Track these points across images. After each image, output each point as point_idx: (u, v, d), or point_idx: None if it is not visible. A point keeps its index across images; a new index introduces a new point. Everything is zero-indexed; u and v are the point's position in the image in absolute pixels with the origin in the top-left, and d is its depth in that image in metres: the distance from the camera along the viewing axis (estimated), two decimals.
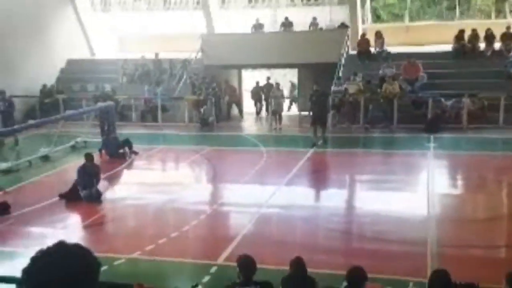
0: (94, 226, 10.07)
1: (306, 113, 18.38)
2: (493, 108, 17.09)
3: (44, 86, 21.84)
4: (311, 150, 15.08)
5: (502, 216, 10.16)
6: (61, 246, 1.78)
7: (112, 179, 12.55)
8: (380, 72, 19.00)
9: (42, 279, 1.68)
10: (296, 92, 23.26)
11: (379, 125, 17.80)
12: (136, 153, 15.09)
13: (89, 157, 11.63)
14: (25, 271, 1.72)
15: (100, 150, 14.94)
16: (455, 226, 9.53)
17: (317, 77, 18.66)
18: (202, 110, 19.34)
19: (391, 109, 17.80)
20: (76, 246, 1.79)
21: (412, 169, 13.56)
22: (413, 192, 11.82)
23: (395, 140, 16.86)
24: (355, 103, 18.23)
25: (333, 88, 18.78)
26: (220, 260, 8.02)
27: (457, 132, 16.76)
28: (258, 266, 5.54)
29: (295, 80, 23.76)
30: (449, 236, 9.01)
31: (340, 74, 19.67)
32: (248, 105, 23.02)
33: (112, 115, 15.73)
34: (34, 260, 1.73)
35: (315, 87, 16.35)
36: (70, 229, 9.97)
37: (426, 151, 14.87)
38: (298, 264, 5.63)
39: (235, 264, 5.58)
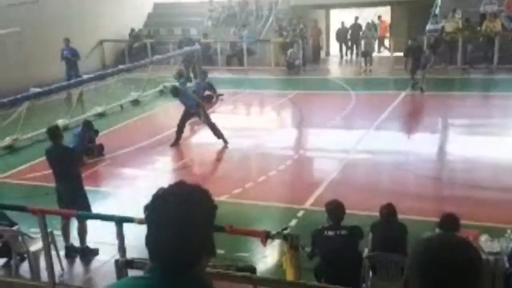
0: (183, 169, 10.42)
1: (398, 54, 17.63)
2: None
3: (132, 30, 22.30)
4: (405, 93, 14.50)
5: None
6: (181, 184, 1.78)
7: (199, 123, 12.83)
8: (481, 8, 17.69)
9: (161, 216, 1.70)
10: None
11: (479, 65, 16.75)
12: (221, 95, 15.21)
13: None
14: (146, 207, 1.74)
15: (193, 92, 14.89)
16: None
17: (412, 15, 17.68)
18: (288, 53, 19.01)
19: (492, 49, 16.62)
20: (196, 186, 1.78)
21: (509, 112, 12.73)
22: (511, 137, 11.12)
23: (495, 82, 15.85)
24: (453, 43, 17.25)
25: (428, 26, 17.77)
26: (307, 205, 8.05)
27: None
28: (347, 211, 5.51)
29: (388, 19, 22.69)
30: None
31: (437, 12, 18.49)
32: (336, 47, 22.39)
33: (198, 59, 15.84)
34: (155, 196, 1.74)
35: (410, 42, 15.53)
36: (160, 171, 10.33)
37: None
38: (388, 210, 5.54)
39: (322, 208, 5.61)
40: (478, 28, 17.16)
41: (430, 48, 16.85)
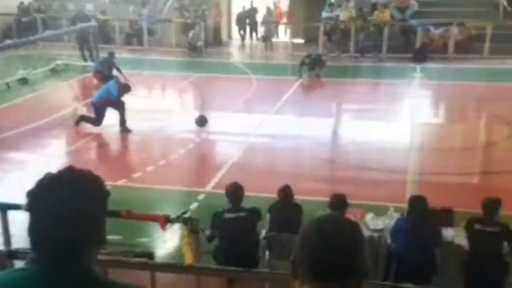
0: (78, 152, 10.10)
1: (298, 40, 18.20)
2: (479, 38, 17.07)
3: (21, 3, 20.96)
4: (301, 79, 15.09)
5: (480, 144, 10.50)
6: (69, 170, 1.69)
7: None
8: None
9: (46, 203, 1.61)
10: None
11: (369, 54, 17.75)
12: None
13: None
14: (30, 193, 1.64)
15: (95, 71, 14.07)
16: (434, 155, 9.81)
17: (309, 2, 18.19)
18: (190, 34, 18.90)
19: (381, 38, 17.67)
20: (86, 172, 1.71)
21: (397, 98, 13.78)
22: (397, 121, 12.09)
23: (383, 69, 16.91)
24: (346, 31, 18.05)
25: (324, 14, 18.49)
26: (208, 188, 8.24)
27: (443, 62, 16.82)
28: (247, 193, 5.76)
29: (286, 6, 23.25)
30: (429, 164, 9.31)
31: (333, 0, 19.30)
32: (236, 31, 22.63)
33: (94, 36, 15.27)
34: (40, 182, 1.64)
35: (306, 59, 15.21)
36: (53, 155, 9.90)
37: (412, 81, 15.04)
38: (285, 192, 5.84)
39: (223, 191, 5.77)
40: (369, 17, 18.07)
41: (325, 35, 17.60)
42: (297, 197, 6.05)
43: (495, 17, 17.68)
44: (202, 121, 10.68)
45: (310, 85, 15.05)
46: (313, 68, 15.00)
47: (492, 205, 5.12)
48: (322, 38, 17.74)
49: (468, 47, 17.19)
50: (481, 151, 10.27)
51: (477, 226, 5.12)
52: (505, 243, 5.07)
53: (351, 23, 17.95)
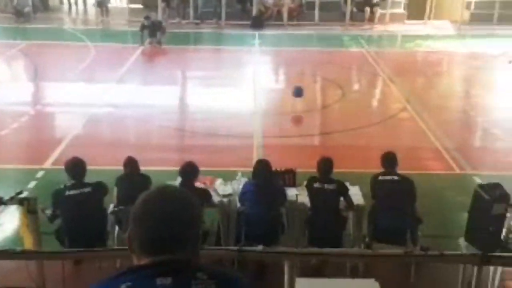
0: None
1: (136, 5, 17.58)
2: (309, 6, 18.05)
3: None
4: (142, 47, 14.66)
5: (317, 107, 11.21)
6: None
7: None
8: None
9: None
10: None
11: (209, 21, 17.82)
12: None
13: None
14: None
15: None
16: (278, 119, 10.28)
17: None
18: None
19: (220, 5, 17.83)
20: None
21: (240, 65, 14.07)
22: (241, 87, 12.38)
23: (224, 36, 17.13)
24: None
25: None
26: (47, 164, 7.74)
27: (279, 29, 17.52)
28: (92, 167, 5.50)
29: None
30: (273, 127, 9.73)
31: None
32: None
33: None
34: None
35: (144, 22, 15.00)
36: None
37: (252, 47, 15.47)
38: (130, 163, 5.69)
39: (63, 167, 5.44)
40: None
41: (164, 1, 17.26)
42: (145, 168, 5.93)
43: None
44: (298, 92, 10.35)
45: (152, 53, 14.71)
46: (154, 34, 14.65)
47: (326, 163, 5.49)
48: (160, 4, 17.36)
49: (300, 14, 18.11)
50: (318, 114, 10.96)
51: (316, 184, 5.46)
52: (342, 199, 5.48)
53: None
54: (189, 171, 5.41)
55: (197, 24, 17.76)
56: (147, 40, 14.71)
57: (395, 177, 5.40)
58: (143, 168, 5.80)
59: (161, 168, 7.22)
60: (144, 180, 5.56)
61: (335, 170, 5.53)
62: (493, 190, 4.95)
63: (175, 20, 17.67)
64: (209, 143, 8.91)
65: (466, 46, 15.93)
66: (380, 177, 5.45)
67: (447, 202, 6.93)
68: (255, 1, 17.92)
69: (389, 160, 5.49)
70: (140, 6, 19.34)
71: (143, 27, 14.68)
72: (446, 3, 19.44)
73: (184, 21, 17.82)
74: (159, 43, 14.80)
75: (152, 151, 8.28)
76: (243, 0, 18.38)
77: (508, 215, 4.96)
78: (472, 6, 18.17)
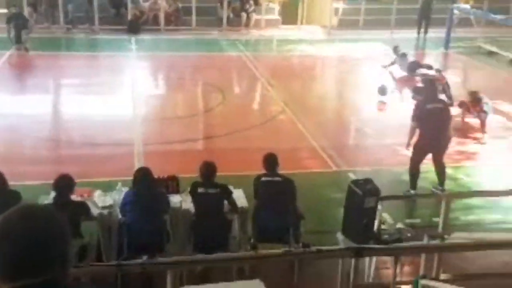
0: None
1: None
2: (186, 11, 18.04)
3: None
4: (9, 52, 13.72)
5: (198, 112, 11.22)
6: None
7: None
8: None
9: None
10: None
11: (81, 26, 17.13)
12: None
13: None
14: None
15: None
16: (158, 124, 10.13)
17: None
18: None
19: (92, 9, 17.20)
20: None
21: (117, 71, 13.67)
22: (119, 94, 12.05)
23: (98, 41, 16.56)
24: (53, 1, 17.00)
25: None
26: None
27: (156, 34, 17.30)
28: None
29: None
30: (154, 134, 9.57)
31: None
32: None
33: None
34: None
35: (11, 10, 14.44)
36: None
37: (129, 53, 15.13)
38: None
39: None
40: None
41: (30, 5, 16.33)
42: (16, 183, 5.55)
43: None
44: (383, 90, 10.49)
45: (19, 60, 13.83)
46: (19, 29, 13.83)
47: (208, 168, 5.50)
48: (27, 9, 16.32)
49: (177, 19, 18.03)
50: (200, 118, 10.96)
51: (200, 189, 5.46)
52: (226, 202, 5.53)
53: None
54: (64, 184, 5.16)
55: (68, 29, 16.98)
56: (14, 47, 13.82)
57: (277, 178, 5.55)
58: (12, 183, 5.41)
59: (34, 182, 6.81)
60: (13, 196, 5.18)
61: (218, 173, 5.56)
62: (365, 185, 5.26)
63: (44, 25, 16.75)
64: (87, 153, 8.56)
65: (336, 50, 16.83)
66: (263, 179, 5.58)
67: (325, 199, 7.27)
68: (130, 5, 17.54)
69: (270, 161, 5.64)
70: (5, 10, 18.08)
71: (9, 19, 13.90)
72: (317, 9, 20.42)
73: (53, 26, 16.94)
74: (26, 49, 13.95)
75: (22, 164, 7.78)
76: (117, 4, 17.90)
77: (379, 207, 5.30)
78: (340, 12, 19.23)
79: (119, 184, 6.05)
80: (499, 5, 18.32)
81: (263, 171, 5.63)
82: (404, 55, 13.11)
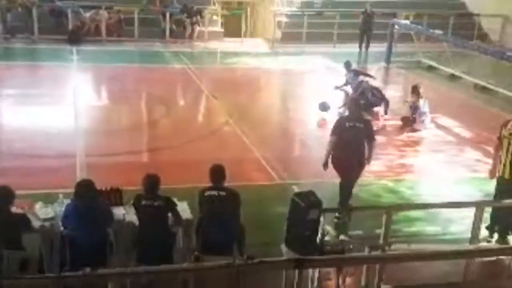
0: None
1: None
2: (128, 22, 17.87)
3: None
4: None
5: (142, 124, 11.13)
6: None
7: None
8: None
9: None
10: None
11: (20, 35, 16.67)
12: None
13: None
14: None
15: None
16: (102, 137, 9.97)
17: None
18: None
19: (31, 19, 16.81)
20: None
21: (58, 82, 13.39)
22: (61, 105, 11.80)
23: (38, 51, 16.20)
24: None
25: None
26: None
27: (98, 45, 17.05)
28: None
29: None
30: (96, 146, 9.40)
31: None
32: None
33: None
34: None
35: None
36: None
37: (70, 63, 14.84)
38: None
39: None
40: None
41: None
42: None
43: (140, 1, 18.73)
44: (324, 106, 10.47)
45: None
46: None
47: (151, 180, 5.46)
48: None
49: (119, 30, 17.82)
50: (144, 130, 10.88)
51: (143, 202, 5.42)
52: (170, 215, 5.51)
53: None
54: (2, 196, 5.03)
55: (6, 38, 16.47)
56: None
57: (221, 192, 5.56)
58: None
59: None
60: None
61: (162, 186, 5.54)
62: (308, 197, 5.36)
63: None
64: (27, 165, 8.35)
65: (279, 63, 17.10)
66: (207, 193, 5.57)
67: (270, 211, 7.35)
68: (70, 15, 17.19)
69: (216, 173, 5.64)
70: None
71: None
72: (260, 22, 20.72)
73: None
74: None
75: None
76: (57, 14, 17.53)
77: (321, 219, 5.41)
78: (283, 26, 19.57)
79: (61, 196, 5.92)
80: (438, 21, 19.22)
81: (208, 183, 5.65)
82: (356, 73, 12.98)
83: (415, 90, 10.97)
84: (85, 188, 5.27)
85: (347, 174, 7.15)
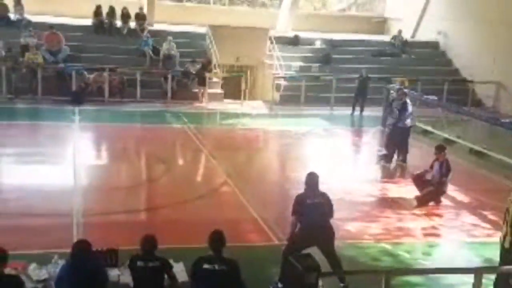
0: None
1: None
2: (131, 83, 18.26)
3: None
4: None
5: (142, 182, 11.18)
6: None
7: None
8: (22, 40, 18.17)
9: None
10: None
11: (24, 96, 17.02)
12: None
13: None
14: None
15: None
16: (100, 195, 9.97)
17: None
18: None
19: (35, 80, 17.19)
20: None
21: (58, 141, 13.51)
22: (60, 164, 11.85)
23: (41, 111, 16.45)
24: None
25: None
26: None
27: (100, 105, 17.33)
28: None
29: None
30: (95, 205, 9.36)
31: None
32: None
33: None
34: None
35: None
36: None
37: (72, 123, 15.04)
38: None
39: None
40: (21, 59, 17.55)
41: None
42: None
43: (143, 64, 19.21)
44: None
45: None
46: None
47: (148, 241, 5.43)
48: None
49: (122, 91, 18.18)
50: (143, 189, 10.88)
51: (139, 263, 5.37)
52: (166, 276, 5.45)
53: (1, 64, 16.94)
54: None
55: (10, 99, 16.79)
56: None
57: (220, 266, 5.28)
58: None
59: None
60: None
61: (160, 246, 5.52)
62: (305, 260, 5.28)
63: None
64: (23, 224, 8.28)
65: (278, 124, 17.33)
66: (204, 265, 5.28)
67: (266, 273, 7.24)
68: (74, 76, 17.58)
69: (214, 242, 5.38)
70: None
71: None
72: (259, 85, 21.17)
73: None
74: None
75: None
76: (61, 75, 17.93)
77: (320, 283, 5.31)
78: (282, 89, 19.97)
79: (56, 256, 5.88)
80: (432, 87, 19.62)
81: (205, 244, 5.53)
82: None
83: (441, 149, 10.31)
84: (80, 249, 5.22)
85: (321, 245, 6.79)
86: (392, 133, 12.70)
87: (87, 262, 5.21)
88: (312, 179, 6.95)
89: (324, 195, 6.93)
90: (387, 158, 12.73)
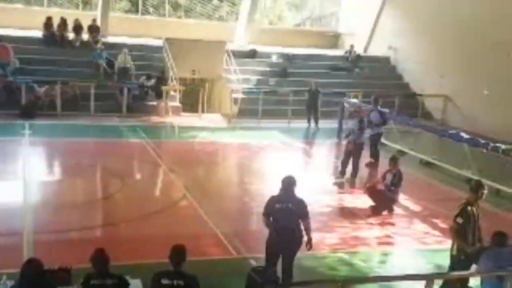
0: None
1: None
2: (84, 96, 17.81)
3: None
4: None
5: (97, 199, 10.87)
6: None
7: None
8: None
9: None
10: None
11: None
12: None
13: None
14: None
15: None
16: (52, 213, 9.62)
17: None
18: None
19: None
20: None
21: (7, 156, 12.98)
22: (9, 180, 11.39)
23: None
24: None
25: None
26: None
27: (53, 119, 16.82)
28: None
29: None
30: (46, 223, 9.04)
31: None
32: None
33: None
34: None
35: None
36: None
37: (21, 138, 14.50)
38: None
39: None
40: None
41: None
42: None
43: (97, 77, 18.81)
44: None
45: None
46: None
47: (101, 257, 5.22)
48: None
49: (75, 105, 17.70)
50: (98, 205, 10.57)
51: (94, 281, 5.14)
52: None
53: None
54: None
55: None
56: None
57: (178, 281, 5.14)
58: None
59: None
60: None
61: (117, 263, 5.31)
62: (264, 272, 5.22)
63: None
64: None
65: (236, 137, 17.25)
66: (163, 281, 5.14)
67: (227, 287, 7.12)
68: (24, 89, 17.02)
69: (174, 256, 5.26)
70: None
71: None
72: (217, 98, 21.07)
73: None
74: None
75: None
76: (10, 89, 17.34)
77: None
78: (239, 102, 19.93)
79: (4, 277, 5.60)
80: (384, 100, 19.96)
81: (164, 259, 5.38)
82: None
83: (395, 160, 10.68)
84: (31, 269, 4.94)
85: (283, 254, 6.76)
86: (354, 149, 12.67)
87: (37, 283, 4.95)
88: (287, 182, 6.86)
89: (299, 203, 6.81)
90: (341, 171, 12.83)
